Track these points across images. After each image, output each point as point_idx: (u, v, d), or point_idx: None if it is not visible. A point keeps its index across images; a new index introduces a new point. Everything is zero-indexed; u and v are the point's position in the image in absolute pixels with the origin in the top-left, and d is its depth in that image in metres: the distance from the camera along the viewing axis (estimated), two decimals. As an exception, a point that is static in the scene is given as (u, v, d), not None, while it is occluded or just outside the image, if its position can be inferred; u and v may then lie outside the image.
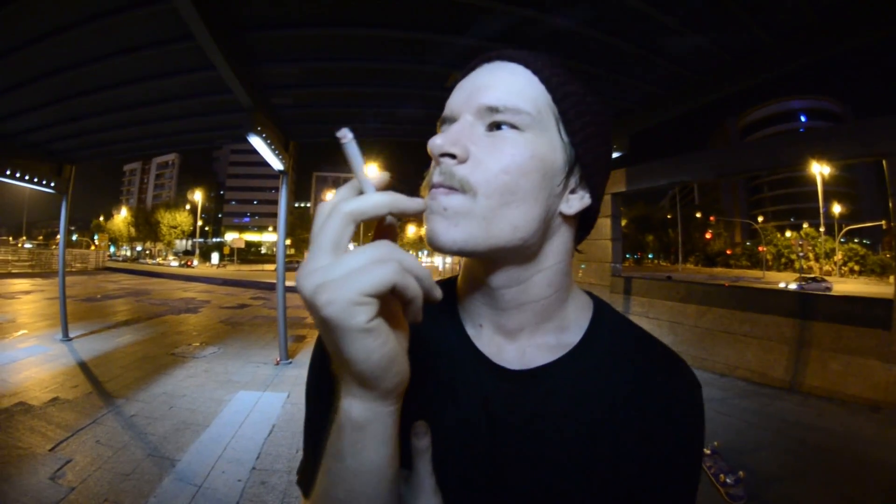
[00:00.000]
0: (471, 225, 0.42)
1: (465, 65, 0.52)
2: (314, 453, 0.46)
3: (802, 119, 69.01)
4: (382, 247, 0.32)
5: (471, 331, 0.53)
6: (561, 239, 0.50)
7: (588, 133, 0.47)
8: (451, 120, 0.48)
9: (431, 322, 0.53)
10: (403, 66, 4.08)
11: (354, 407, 0.35)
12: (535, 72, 0.46)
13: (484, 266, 0.49)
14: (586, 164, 0.48)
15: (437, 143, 0.44)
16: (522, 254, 0.47)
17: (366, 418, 0.35)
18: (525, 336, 0.51)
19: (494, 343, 0.51)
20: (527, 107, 0.44)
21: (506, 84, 0.46)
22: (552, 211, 0.47)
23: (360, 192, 0.35)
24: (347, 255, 0.31)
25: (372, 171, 0.35)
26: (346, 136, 0.35)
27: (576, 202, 0.48)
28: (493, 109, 0.44)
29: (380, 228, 0.37)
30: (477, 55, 0.51)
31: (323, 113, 5.53)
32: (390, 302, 0.33)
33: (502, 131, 0.44)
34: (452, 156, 0.44)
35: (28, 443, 3.26)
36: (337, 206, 0.32)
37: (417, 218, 0.40)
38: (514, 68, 0.47)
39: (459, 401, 0.49)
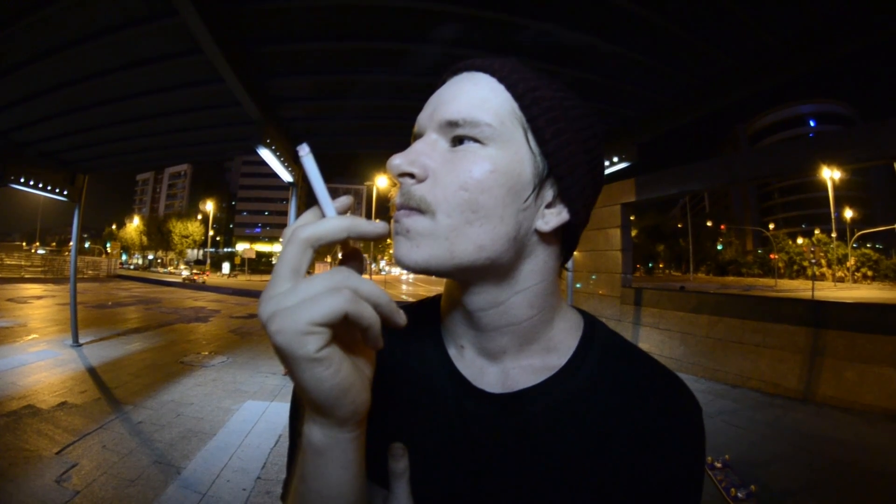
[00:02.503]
0: (433, 246, 0.41)
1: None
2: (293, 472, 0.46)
3: (812, 124, 68.57)
4: (337, 274, 0.31)
5: (452, 351, 0.51)
6: (540, 258, 0.47)
7: (562, 141, 0.43)
8: (419, 137, 0.46)
9: (413, 341, 0.53)
10: (414, 79, 4.11)
11: (314, 432, 0.35)
12: (501, 79, 0.44)
13: (460, 287, 0.47)
14: (561, 175, 0.44)
15: (395, 163, 0.42)
16: (494, 274, 0.45)
17: (325, 444, 0.35)
18: (508, 358, 0.48)
19: (476, 365, 0.49)
20: (486, 118, 0.42)
21: (466, 96, 0.43)
22: (525, 228, 0.44)
23: (324, 216, 0.34)
24: (302, 283, 0.31)
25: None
26: (303, 149, 0.33)
27: (552, 218, 0.45)
28: (454, 124, 0.42)
29: (345, 252, 0.36)
30: None
31: (333, 125, 5.57)
32: (348, 329, 0.32)
33: (464, 146, 0.42)
34: (411, 175, 0.42)
35: (35, 445, 3.29)
36: (295, 232, 0.32)
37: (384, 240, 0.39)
38: (477, 78, 0.45)
39: (439, 423, 0.47)
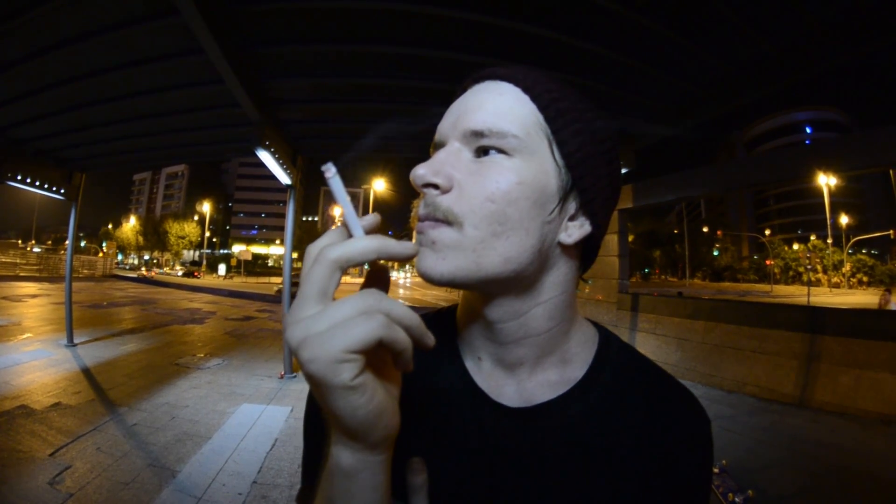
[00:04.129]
0: (459, 258, 0.41)
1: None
2: (311, 487, 0.45)
3: (808, 131, 68.85)
4: (369, 297, 0.30)
5: (469, 364, 0.51)
6: (562, 270, 0.47)
7: (585, 154, 0.44)
8: (441, 146, 0.45)
9: (429, 354, 0.52)
10: (412, 82, 4.12)
11: (343, 456, 0.35)
12: (526, 89, 0.44)
13: (480, 299, 0.46)
14: (584, 188, 0.44)
15: (419, 173, 0.42)
16: (518, 286, 0.45)
17: (355, 467, 0.35)
18: (525, 370, 0.48)
19: (494, 377, 0.49)
20: (513, 129, 0.42)
21: (492, 105, 0.43)
22: (549, 240, 0.44)
23: (350, 235, 0.34)
24: (332, 306, 0.30)
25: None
26: (329, 170, 0.33)
27: (575, 230, 0.45)
28: (479, 134, 0.42)
29: (372, 270, 0.36)
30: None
31: (331, 128, 5.57)
32: (379, 352, 0.31)
33: (490, 157, 0.42)
34: (436, 186, 0.42)
35: (28, 447, 3.26)
36: (323, 252, 0.31)
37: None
38: (502, 87, 0.44)
39: (456, 437, 0.47)
